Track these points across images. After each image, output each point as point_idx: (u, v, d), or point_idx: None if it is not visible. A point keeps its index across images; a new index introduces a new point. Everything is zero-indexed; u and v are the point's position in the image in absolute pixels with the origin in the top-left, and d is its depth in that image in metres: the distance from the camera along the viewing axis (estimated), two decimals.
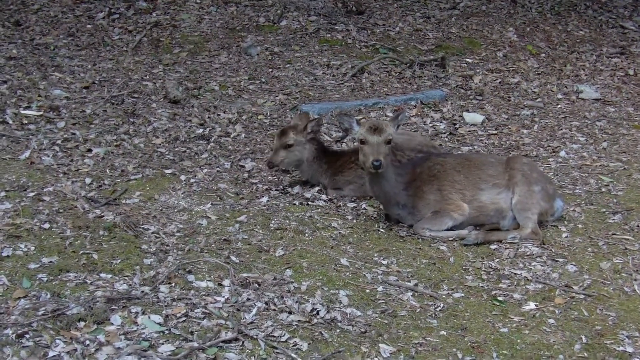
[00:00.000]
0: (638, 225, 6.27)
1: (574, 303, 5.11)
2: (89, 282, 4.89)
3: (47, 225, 5.66)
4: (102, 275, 5.00)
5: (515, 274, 5.47)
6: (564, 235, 6.11)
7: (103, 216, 5.87)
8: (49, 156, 7.01)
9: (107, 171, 6.83)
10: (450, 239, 5.96)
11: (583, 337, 4.67)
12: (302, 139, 6.74)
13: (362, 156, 6.00)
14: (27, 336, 4.21)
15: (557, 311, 4.98)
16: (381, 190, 6.12)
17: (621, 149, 8.25)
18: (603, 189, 7.10)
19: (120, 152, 7.27)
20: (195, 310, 4.63)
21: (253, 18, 11.57)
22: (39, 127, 7.65)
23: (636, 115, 9.46)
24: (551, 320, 4.85)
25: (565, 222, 6.30)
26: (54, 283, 4.85)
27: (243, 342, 4.35)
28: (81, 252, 5.30)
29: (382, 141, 5.93)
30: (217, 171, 7.06)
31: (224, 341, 4.33)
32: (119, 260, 5.21)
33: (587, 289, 5.30)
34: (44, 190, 6.28)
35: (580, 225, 6.30)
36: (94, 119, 7.98)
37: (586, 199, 6.87)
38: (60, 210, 5.93)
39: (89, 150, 7.21)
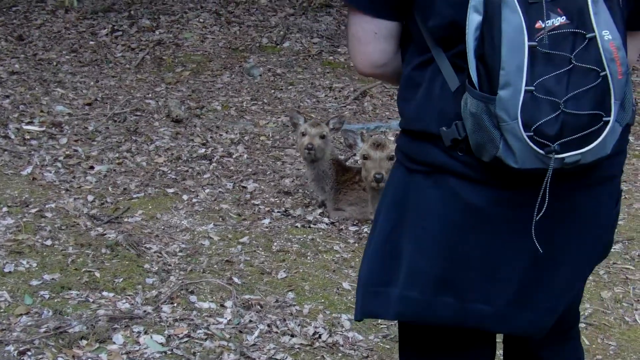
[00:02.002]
0: (639, 255, 6.27)
1: None
2: (91, 300, 4.89)
3: (49, 242, 5.65)
4: (104, 293, 4.99)
5: None
6: None
7: (105, 234, 5.86)
8: (51, 172, 7.00)
9: (110, 189, 6.82)
10: None
11: None
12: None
13: (364, 172, 6.05)
14: (29, 353, 4.21)
15: None
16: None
17: (622, 178, 8.23)
18: None
19: (123, 170, 7.26)
20: (198, 331, 4.62)
21: (256, 39, 11.60)
22: (41, 143, 7.65)
23: (637, 144, 9.46)
24: None
25: None
26: (55, 300, 4.84)
27: None
28: (83, 269, 5.29)
29: (385, 157, 5.94)
30: (219, 191, 7.05)
31: None
32: (121, 279, 5.20)
33: (588, 317, 5.29)
34: (46, 206, 6.27)
35: None
36: (96, 136, 7.98)
37: None
38: (63, 227, 5.92)
39: (91, 168, 7.20)
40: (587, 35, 2.15)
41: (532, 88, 2.12)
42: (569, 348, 3.03)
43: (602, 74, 2.15)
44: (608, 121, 2.18)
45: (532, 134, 2.14)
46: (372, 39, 2.53)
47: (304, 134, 6.71)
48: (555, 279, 2.55)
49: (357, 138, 6.18)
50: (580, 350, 3.10)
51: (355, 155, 7.24)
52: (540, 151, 2.16)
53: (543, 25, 2.14)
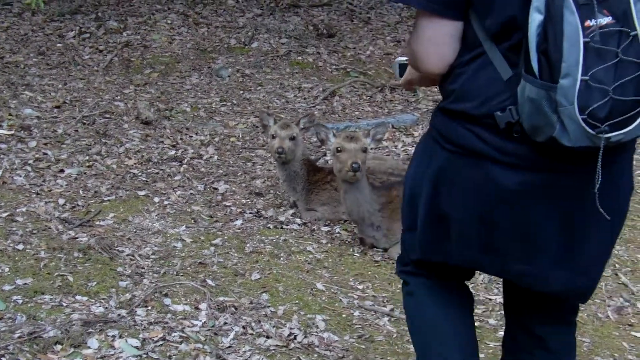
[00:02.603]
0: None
1: None
2: (64, 304, 4.86)
3: (21, 247, 5.62)
4: (78, 297, 4.97)
5: (490, 299, 5.49)
6: None
7: (77, 237, 5.84)
8: (21, 176, 6.96)
9: (80, 192, 6.79)
10: None
11: None
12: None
13: (338, 164, 6.00)
14: (4, 359, 4.17)
15: None
16: (356, 205, 6.11)
17: None
18: None
19: (93, 173, 7.23)
20: (173, 334, 4.60)
21: (224, 40, 11.58)
22: (10, 147, 7.60)
23: None
24: None
25: None
26: (29, 305, 4.82)
27: None
28: (56, 274, 5.26)
29: (359, 148, 5.95)
30: (191, 193, 7.04)
31: None
32: (95, 283, 5.18)
33: None
34: (17, 210, 6.24)
35: None
36: (65, 138, 7.94)
37: None
38: (34, 231, 5.90)
39: (62, 171, 7.17)
40: (631, 33, 2.56)
41: (587, 78, 2.52)
42: (566, 332, 3.34)
43: None
44: None
45: (586, 116, 2.54)
46: (449, 40, 2.87)
47: (274, 136, 6.70)
48: (588, 244, 2.94)
49: (329, 133, 6.21)
50: (574, 341, 3.40)
51: (325, 155, 7.26)
52: (592, 131, 2.56)
53: (592, 24, 2.53)
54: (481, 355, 4.64)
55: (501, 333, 4.89)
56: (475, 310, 5.21)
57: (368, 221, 6.14)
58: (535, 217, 2.88)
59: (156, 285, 5.20)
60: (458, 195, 2.97)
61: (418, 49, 2.91)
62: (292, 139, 6.70)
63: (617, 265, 6.08)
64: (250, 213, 6.77)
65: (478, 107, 2.81)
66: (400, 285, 5.47)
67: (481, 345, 4.80)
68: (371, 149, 6.22)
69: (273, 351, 4.58)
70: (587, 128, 2.55)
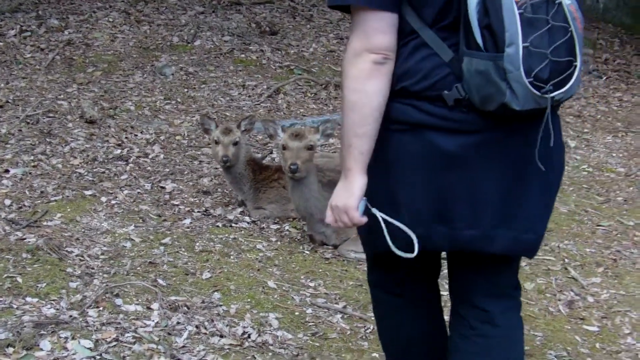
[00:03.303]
0: (558, 246, 6.39)
1: None
2: (15, 306, 4.79)
3: None
4: (28, 299, 4.89)
5: (441, 295, 5.52)
6: None
7: (25, 238, 5.76)
8: None
9: (26, 192, 6.71)
10: None
11: None
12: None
13: (282, 161, 6.15)
14: None
15: None
16: (303, 200, 6.12)
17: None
18: None
19: (39, 173, 7.15)
20: (126, 335, 4.56)
21: (167, 37, 11.51)
22: None
23: None
24: None
25: None
26: None
27: None
28: (5, 275, 5.17)
29: (303, 146, 6.00)
30: (138, 192, 7.00)
31: None
32: (45, 284, 5.11)
33: None
34: None
35: None
36: (9, 138, 7.84)
37: None
38: None
39: (6, 171, 7.07)
40: (556, 2, 2.83)
41: (528, 44, 2.77)
42: (511, 309, 3.44)
43: (569, 29, 2.84)
44: (576, 65, 2.88)
45: (532, 79, 2.79)
46: (392, 29, 2.98)
47: (217, 142, 6.74)
48: (531, 202, 3.11)
49: (278, 129, 6.24)
50: (521, 323, 3.53)
51: (272, 152, 7.26)
52: (537, 93, 2.81)
53: None
54: None
55: None
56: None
57: (317, 217, 6.15)
58: (479, 179, 3.04)
59: (107, 285, 5.15)
60: (406, 172, 3.08)
61: (367, 38, 2.96)
62: (235, 144, 6.75)
63: (566, 260, 6.17)
64: (198, 212, 6.75)
65: (417, 83, 2.97)
66: (351, 282, 5.54)
67: None
68: (321, 145, 6.22)
69: (227, 350, 4.57)
70: (533, 90, 2.80)
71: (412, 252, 3.06)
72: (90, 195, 6.81)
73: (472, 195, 3.06)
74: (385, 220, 3.10)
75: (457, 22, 2.91)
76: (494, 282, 3.36)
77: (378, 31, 2.94)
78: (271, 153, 7.73)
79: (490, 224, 3.08)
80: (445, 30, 2.95)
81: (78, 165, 7.46)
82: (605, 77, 12.38)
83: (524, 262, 5.96)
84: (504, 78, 2.80)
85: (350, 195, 3.08)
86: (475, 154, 3.01)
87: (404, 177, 3.09)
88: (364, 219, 3.11)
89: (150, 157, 7.89)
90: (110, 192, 6.94)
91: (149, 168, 7.62)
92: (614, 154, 9.17)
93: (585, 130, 10.11)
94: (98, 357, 4.32)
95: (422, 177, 3.05)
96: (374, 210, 3.11)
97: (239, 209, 6.89)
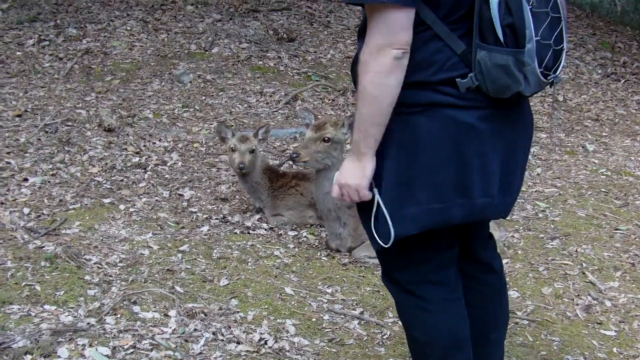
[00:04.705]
0: (576, 251, 6.38)
1: (518, 329, 5.17)
2: (33, 314, 4.82)
3: None
4: (46, 307, 4.93)
5: None
6: (504, 261, 6.16)
7: (44, 247, 5.79)
8: None
9: (45, 201, 6.74)
10: None
11: None
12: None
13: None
14: None
15: None
16: (322, 193, 6.14)
17: (555, 175, 8.40)
18: (540, 215, 7.21)
19: (57, 182, 7.18)
20: (143, 342, 4.59)
21: (184, 45, 11.53)
22: None
23: (568, 140, 9.63)
24: None
25: (505, 248, 6.37)
26: None
27: None
28: (23, 283, 5.21)
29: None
30: (156, 200, 7.02)
31: None
32: (63, 292, 5.14)
33: (530, 314, 5.38)
34: None
35: (520, 251, 6.39)
36: (28, 147, 7.88)
37: (524, 224, 6.97)
38: (0, 241, 5.85)
39: (25, 180, 7.11)
40: None
41: (539, 38, 3.06)
42: (497, 253, 3.98)
43: (561, 18, 3.17)
44: (564, 50, 3.23)
45: (542, 69, 3.12)
46: (411, 24, 3.10)
47: (233, 150, 6.76)
48: (517, 172, 3.49)
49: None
50: (500, 259, 4.01)
51: (290, 159, 7.26)
52: (545, 80, 3.15)
53: None
54: None
55: None
56: None
57: (334, 214, 6.17)
58: (489, 150, 3.30)
59: (124, 293, 5.18)
60: (427, 150, 3.26)
61: (391, 34, 3.07)
62: (252, 151, 6.77)
63: (584, 264, 6.16)
64: (216, 219, 6.77)
65: (434, 75, 3.18)
66: (368, 288, 5.54)
67: None
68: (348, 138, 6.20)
69: (244, 357, 4.58)
70: (542, 78, 3.13)
71: (388, 243, 3.34)
72: (108, 203, 6.84)
73: (485, 166, 3.30)
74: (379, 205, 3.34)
75: (467, 15, 3.13)
76: (484, 236, 3.88)
77: (401, 27, 3.07)
78: (289, 160, 7.72)
79: (495, 192, 3.38)
80: (455, 23, 3.15)
81: (96, 173, 7.49)
82: (623, 80, 12.33)
83: (541, 267, 6.01)
84: (521, 70, 3.09)
85: (362, 176, 3.27)
86: (487, 127, 3.26)
87: (426, 156, 3.26)
88: (370, 194, 3.32)
89: (168, 164, 7.92)
90: (129, 200, 6.97)
91: (167, 176, 7.64)
92: (633, 158, 9.14)
93: (604, 133, 10.09)
94: None
95: (447, 152, 3.25)
96: (375, 192, 3.32)
97: (257, 216, 6.91)
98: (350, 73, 3.66)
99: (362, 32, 3.30)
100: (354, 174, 3.30)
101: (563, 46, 3.22)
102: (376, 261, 5.85)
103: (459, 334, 3.70)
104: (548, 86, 3.30)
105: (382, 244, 3.37)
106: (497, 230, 6.24)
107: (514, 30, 3.06)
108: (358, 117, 3.21)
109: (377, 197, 3.32)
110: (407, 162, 3.27)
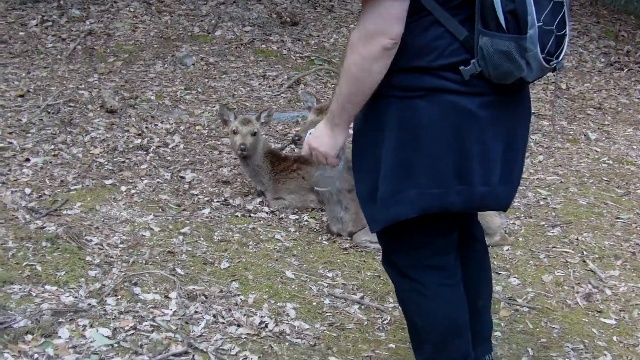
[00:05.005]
0: (577, 239, 6.38)
1: (518, 316, 5.18)
2: (34, 294, 4.81)
3: None
4: (47, 287, 4.92)
5: None
6: (505, 248, 6.19)
7: (45, 227, 5.79)
8: None
9: (47, 181, 6.74)
10: None
11: (529, 350, 4.74)
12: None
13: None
14: None
15: (502, 324, 5.04)
16: (323, 178, 6.14)
17: (557, 163, 8.39)
18: (541, 202, 7.21)
19: (59, 162, 7.18)
20: (144, 323, 4.59)
21: (187, 27, 11.52)
22: None
23: (570, 129, 9.62)
24: (497, 333, 4.90)
25: (506, 235, 6.37)
26: None
27: (193, 355, 4.32)
28: (24, 263, 5.21)
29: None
30: (158, 182, 7.02)
31: (174, 354, 4.30)
32: (64, 272, 5.14)
33: (530, 301, 5.38)
34: None
35: (520, 239, 6.39)
36: (30, 127, 7.87)
37: (525, 212, 6.97)
38: (1, 221, 5.82)
39: (27, 160, 7.10)
40: None
41: (541, 23, 3.07)
42: (474, 216, 4.04)
43: (563, 3, 3.18)
44: (567, 35, 3.24)
45: (545, 54, 3.14)
46: (405, 13, 3.10)
47: (235, 132, 6.77)
48: (518, 161, 3.51)
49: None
50: (480, 227, 4.13)
51: (292, 144, 7.26)
52: (547, 65, 3.18)
53: None
54: None
55: None
56: None
57: (336, 198, 6.18)
58: (490, 137, 3.32)
59: (125, 274, 5.18)
60: (428, 134, 3.27)
61: (385, 23, 3.09)
62: (254, 134, 6.76)
63: (584, 252, 6.16)
64: (217, 201, 6.77)
65: (434, 60, 3.18)
66: (369, 273, 5.55)
67: None
68: None
69: (244, 340, 4.58)
70: (544, 63, 3.16)
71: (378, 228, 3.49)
72: (110, 184, 6.84)
73: (485, 153, 3.32)
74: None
75: (468, 1, 3.14)
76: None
77: (396, 18, 3.08)
78: (291, 144, 7.71)
79: (497, 181, 3.39)
80: (456, 9, 3.15)
81: (98, 154, 7.48)
82: (626, 69, 12.32)
83: (541, 254, 6.01)
84: (523, 56, 3.11)
85: (333, 145, 3.41)
86: (488, 114, 3.28)
87: (427, 140, 3.28)
88: (338, 161, 3.49)
89: (170, 146, 7.92)
90: (130, 181, 6.96)
91: (168, 158, 7.64)
92: (635, 147, 9.13)
93: (606, 122, 10.08)
94: (116, 345, 4.35)
95: (447, 137, 3.26)
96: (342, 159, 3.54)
97: (258, 199, 6.92)
98: None
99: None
100: (325, 141, 3.41)
101: (565, 32, 3.22)
102: (377, 246, 5.85)
103: (457, 320, 3.73)
104: (551, 72, 3.32)
105: (372, 228, 3.50)
106: (497, 217, 6.25)
107: (516, 17, 3.06)
108: (338, 90, 3.27)
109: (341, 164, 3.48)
110: (408, 145, 3.30)
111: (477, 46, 3.14)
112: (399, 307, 4.66)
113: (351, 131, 3.54)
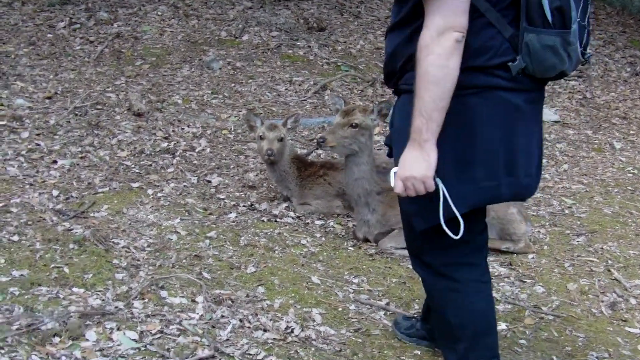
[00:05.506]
0: (602, 248, 6.37)
1: (543, 324, 5.16)
2: (61, 296, 4.82)
3: (16, 238, 5.57)
4: (75, 289, 4.93)
5: None
6: (530, 256, 6.18)
7: (72, 229, 5.81)
8: (14, 167, 6.92)
9: (74, 183, 6.77)
10: None
11: (554, 358, 4.72)
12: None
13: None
14: (2, 351, 4.14)
15: (527, 332, 5.03)
16: (352, 179, 6.13)
17: (582, 172, 8.37)
18: (566, 211, 7.20)
19: (86, 165, 7.21)
20: (170, 327, 4.59)
21: (215, 32, 11.56)
22: (3, 137, 7.57)
23: (595, 138, 9.59)
24: (522, 341, 4.89)
25: (531, 243, 6.35)
26: (26, 297, 4.77)
27: (220, 359, 4.34)
28: (52, 265, 5.22)
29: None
30: (184, 186, 7.04)
31: (201, 358, 4.30)
32: (91, 275, 5.15)
33: (555, 310, 5.36)
34: (11, 201, 6.20)
35: (545, 247, 6.38)
36: (57, 129, 7.91)
37: (550, 220, 6.96)
38: (29, 223, 5.86)
39: (54, 162, 7.14)
40: None
41: (579, 19, 3.32)
42: None
43: (589, 2, 3.44)
44: (589, 30, 3.47)
45: (582, 48, 3.40)
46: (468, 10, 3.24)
47: (262, 138, 6.78)
48: (540, 149, 3.69)
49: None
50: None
51: (318, 149, 7.27)
52: (582, 58, 3.43)
53: None
54: None
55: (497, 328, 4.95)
56: None
57: (364, 200, 6.17)
58: (530, 131, 3.56)
59: (152, 277, 5.19)
60: (484, 130, 3.43)
61: (454, 17, 3.19)
62: (280, 140, 6.77)
63: (609, 262, 6.14)
64: (244, 206, 6.78)
65: (490, 60, 3.34)
66: (395, 279, 5.54)
67: None
68: (377, 124, 6.20)
69: (271, 344, 4.58)
70: (580, 56, 3.41)
71: (457, 234, 3.47)
72: (136, 187, 6.86)
73: (527, 146, 3.54)
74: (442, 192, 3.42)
75: (514, 2, 3.31)
76: None
77: (463, 11, 3.20)
78: (316, 149, 7.72)
79: (534, 172, 3.64)
80: (504, 10, 3.32)
81: (125, 157, 7.51)
82: None
83: (566, 263, 6.00)
84: (566, 50, 3.32)
85: (428, 165, 3.31)
86: (531, 108, 3.52)
87: (482, 135, 3.43)
88: (434, 185, 3.38)
89: (196, 150, 7.94)
90: (157, 184, 6.98)
91: (195, 162, 7.66)
92: None
93: (631, 132, 10.04)
94: (143, 348, 4.35)
95: (500, 132, 3.44)
96: (437, 181, 3.37)
97: (284, 204, 6.92)
98: (386, 66, 3.69)
99: (398, 25, 3.52)
100: (418, 164, 3.31)
101: (590, 27, 3.49)
102: (403, 252, 5.90)
103: (489, 317, 3.88)
104: (581, 65, 3.55)
105: (452, 235, 3.48)
106: (523, 224, 6.24)
107: (562, 13, 3.28)
108: (419, 103, 3.23)
109: (441, 186, 3.41)
110: (464, 141, 3.42)
111: (522, 43, 3.31)
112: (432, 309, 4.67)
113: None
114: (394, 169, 3.45)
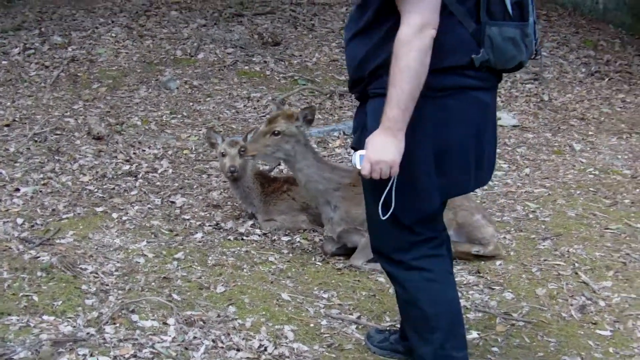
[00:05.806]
0: (568, 251, 6.42)
1: (514, 330, 5.20)
2: (32, 325, 4.82)
3: None
4: (45, 317, 4.92)
5: None
6: (497, 262, 6.22)
7: (39, 257, 5.79)
8: None
9: (38, 210, 6.74)
10: None
11: None
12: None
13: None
14: None
15: (499, 339, 5.07)
16: (306, 179, 6.13)
17: (543, 175, 8.43)
18: (530, 215, 7.24)
19: (49, 191, 7.19)
20: (144, 351, 4.60)
21: (170, 51, 11.53)
22: None
23: (554, 140, 9.66)
24: (495, 349, 4.94)
25: (500, 245, 6.38)
26: None
27: None
28: (21, 294, 5.21)
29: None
30: (149, 208, 7.03)
31: None
32: (60, 302, 5.14)
33: (526, 315, 5.41)
34: None
35: (512, 253, 6.42)
36: (18, 157, 7.88)
37: (515, 225, 7.01)
38: None
39: (17, 190, 7.11)
40: None
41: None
42: None
43: None
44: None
45: (535, 40, 3.66)
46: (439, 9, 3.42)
47: (224, 155, 6.79)
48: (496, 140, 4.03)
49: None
50: None
51: (280, 164, 7.28)
52: (535, 49, 3.68)
53: None
54: None
55: (468, 336, 5.00)
56: None
57: (322, 199, 6.16)
58: (493, 126, 3.89)
59: (122, 302, 5.19)
60: (460, 128, 3.68)
61: (430, 14, 3.38)
62: (242, 155, 6.73)
63: (576, 264, 6.19)
64: (209, 225, 6.78)
65: (461, 58, 3.55)
66: (364, 292, 5.57)
67: None
68: (304, 130, 6.12)
69: None
70: (533, 48, 3.67)
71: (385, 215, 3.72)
72: (101, 211, 6.85)
73: (492, 140, 3.88)
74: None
75: None
76: None
77: (436, 9, 3.39)
78: (279, 165, 7.74)
79: (494, 162, 3.99)
80: (465, 4, 3.52)
81: (88, 182, 7.50)
82: (607, 79, 12.36)
83: (534, 267, 6.05)
84: (524, 41, 3.58)
85: (398, 152, 3.51)
86: (494, 103, 3.84)
87: (457, 133, 3.68)
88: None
89: (159, 172, 7.93)
90: (121, 208, 6.97)
91: (158, 183, 7.66)
92: (620, 156, 9.17)
93: (590, 132, 10.11)
94: None
95: (473, 129, 3.71)
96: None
97: (250, 222, 6.93)
98: (355, 72, 3.77)
99: (363, 31, 3.69)
100: (390, 150, 3.51)
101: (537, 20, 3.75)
102: (372, 266, 5.91)
103: (459, 306, 4.09)
104: (532, 58, 3.78)
105: (381, 216, 3.73)
106: (490, 226, 6.30)
107: (520, 6, 3.57)
108: (398, 94, 3.42)
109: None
110: (442, 138, 3.65)
111: (485, 36, 3.52)
112: (397, 325, 4.71)
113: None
114: (360, 152, 3.61)
